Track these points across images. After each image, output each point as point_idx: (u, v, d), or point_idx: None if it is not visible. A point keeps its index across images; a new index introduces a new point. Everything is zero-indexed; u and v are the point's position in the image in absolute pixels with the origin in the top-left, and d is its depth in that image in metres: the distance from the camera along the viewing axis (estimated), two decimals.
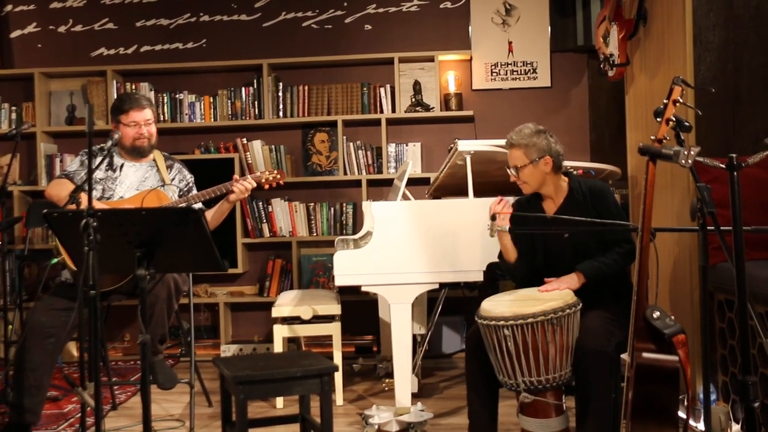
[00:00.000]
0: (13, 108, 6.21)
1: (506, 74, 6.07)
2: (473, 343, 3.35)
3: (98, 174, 4.10)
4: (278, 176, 4.17)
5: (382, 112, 5.99)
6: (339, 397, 4.52)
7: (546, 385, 3.13)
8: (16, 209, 6.00)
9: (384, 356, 5.25)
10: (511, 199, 3.88)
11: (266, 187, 4.17)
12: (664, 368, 2.67)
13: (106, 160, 4.13)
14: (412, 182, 5.69)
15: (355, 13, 6.16)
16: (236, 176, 4.10)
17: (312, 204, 6.01)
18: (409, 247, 4.02)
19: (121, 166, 4.16)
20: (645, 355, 2.68)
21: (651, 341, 2.70)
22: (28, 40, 6.33)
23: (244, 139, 5.99)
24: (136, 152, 4.15)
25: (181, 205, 3.98)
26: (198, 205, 4.09)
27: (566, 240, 3.46)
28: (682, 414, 3.03)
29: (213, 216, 4.15)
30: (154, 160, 4.22)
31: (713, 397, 3.83)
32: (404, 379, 4.03)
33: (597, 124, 5.97)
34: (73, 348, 5.79)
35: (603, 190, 3.49)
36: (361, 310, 5.78)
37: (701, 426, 3.65)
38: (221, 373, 3.18)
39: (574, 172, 3.69)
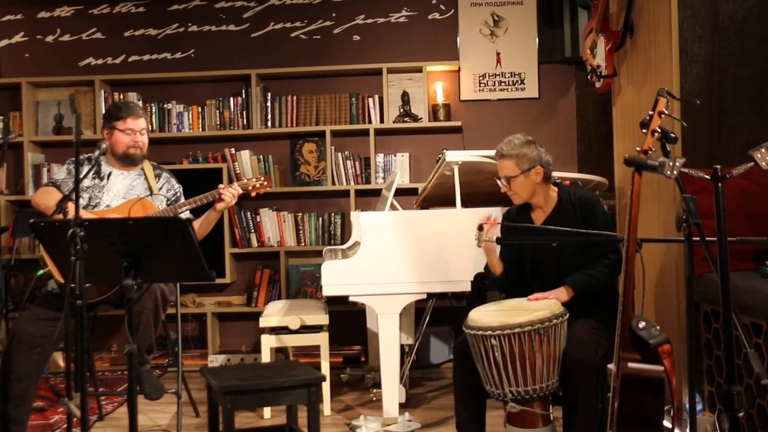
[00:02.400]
0: (0, 117, 6.19)
1: (494, 85, 6.10)
2: (461, 353, 3.36)
3: (85, 182, 4.08)
4: (265, 183, 4.15)
5: (370, 122, 6.00)
6: (327, 407, 4.51)
7: (533, 395, 3.13)
8: (2, 219, 5.97)
9: (372, 366, 5.25)
10: (500, 210, 3.90)
11: (253, 194, 4.15)
12: (650, 378, 2.68)
13: (94, 169, 4.12)
14: (400, 192, 5.70)
15: (344, 24, 6.18)
16: (221, 185, 4.08)
17: (300, 214, 6.01)
18: (397, 257, 4.02)
19: (109, 175, 4.15)
20: (630, 365, 2.69)
21: (637, 351, 2.72)
22: (15, 49, 6.31)
23: (233, 149, 5.99)
24: (128, 160, 4.14)
25: (168, 215, 3.97)
26: (186, 214, 4.08)
27: (554, 250, 3.47)
28: (667, 424, 3.05)
29: (200, 226, 4.14)
30: (142, 168, 4.21)
31: (699, 407, 3.84)
32: (392, 389, 4.03)
33: (584, 135, 6.00)
34: (59, 358, 5.77)
35: (592, 200, 3.51)
36: (348, 320, 5.78)
37: None
38: (208, 383, 3.17)
39: (562, 182, 3.71)
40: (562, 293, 3.35)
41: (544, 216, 3.55)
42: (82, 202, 4.04)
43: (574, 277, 3.38)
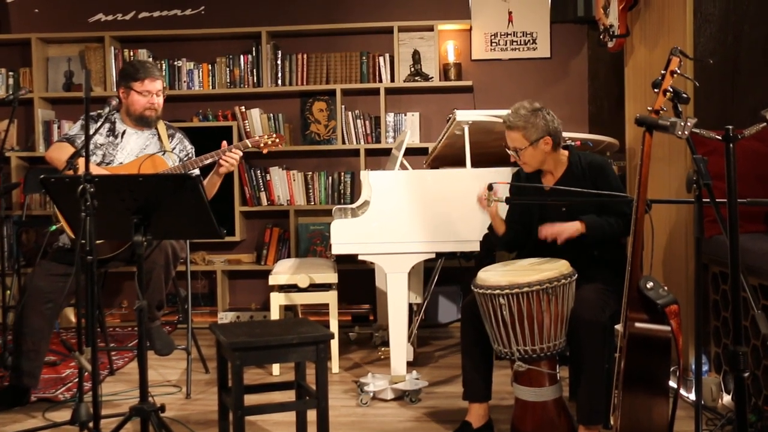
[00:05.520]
0: (11, 73, 6.18)
1: (506, 44, 6.04)
2: (469, 312, 3.37)
3: (99, 139, 4.10)
4: (277, 140, 4.13)
5: (380, 81, 5.97)
6: (335, 365, 4.55)
7: (540, 355, 3.15)
8: (13, 175, 5.99)
9: (380, 325, 5.28)
10: (509, 171, 3.89)
11: (265, 151, 4.14)
12: (656, 338, 2.69)
13: (107, 126, 4.13)
14: (410, 152, 5.68)
15: None
16: (224, 141, 4.05)
17: (310, 173, 6.01)
18: (406, 216, 4.02)
19: (123, 132, 4.16)
20: (638, 324, 2.71)
21: (644, 311, 2.72)
22: (25, 4, 6.28)
23: (243, 108, 5.98)
24: (143, 122, 4.15)
25: (178, 172, 3.98)
26: (195, 173, 4.09)
27: (563, 213, 3.45)
28: (673, 384, 3.07)
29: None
30: (156, 128, 4.22)
31: (705, 368, 3.86)
32: (400, 348, 4.05)
33: (596, 96, 5.96)
34: (70, 313, 5.82)
35: (603, 165, 3.47)
36: (357, 279, 5.80)
37: (692, 396, 3.69)
38: (218, 339, 3.20)
39: (572, 144, 3.68)
40: (574, 225, 3.31)
41: (553, 180, 3.52)
42: (96, 159, 4.06)
43: (589, 215, 3.34)
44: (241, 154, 4.03)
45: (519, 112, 3.41)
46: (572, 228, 3.31)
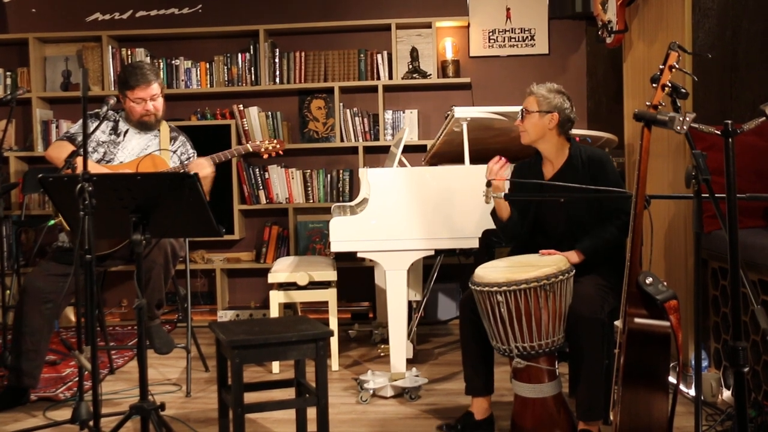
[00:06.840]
0: (8, 73, 6.18)
1: (504, 41, 6.04)
2: (467, 309, 3.37)
3: (102, 137, 4.11)
4: (278, 146, 4.19)
5: (378, 78, 5.96)
6: (335, 363, 4.55)
7: (539, 351, 3.15)
8: (12, 175, 5.99)
9: (379, 322, 5.28)
10: (509, 166, 3.89)
11: (265, 156, 4.22)
12: (656, 333, 2.69)
13: (110, 124, 4.14)
14: (409, 149, 5.68)
15: None
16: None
17: (309, 171, 6.00)
18: (405, 213, 4.02)
19: (126, 132, 4.17)
20: (637, 320, 2.70)
21: (643, 307, 2.72)
22: (22, 4, 6.27)
23: (241, 106, 5.97)
24: (143, 126, 4.17)
25: (177, 170, 3.98)
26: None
27: (561, 206, 3.45)
28: (672, 379, 3.07)
29: None
30: (158, 130, 4.22)
31: (705, 363, 3.86)
32: (399, 345, 4.05)
33: (594, 92, 5.95)
34: (70, 313, 5.82)
35: (603, 159, 3.48)
36: (357, 277, 5.80)
37: (692, 392, 3.69)
38: (217, 337, 3.20)
39: (573, 139, 3.68)
40: (573, 257, 3.33)
41: (553, 170, 3.53)
42: (97, 156, 4.06)
43: (584, 242, 3.36)
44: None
45: (546, 85, 3.56)
46: (572, 259, 3.31)
